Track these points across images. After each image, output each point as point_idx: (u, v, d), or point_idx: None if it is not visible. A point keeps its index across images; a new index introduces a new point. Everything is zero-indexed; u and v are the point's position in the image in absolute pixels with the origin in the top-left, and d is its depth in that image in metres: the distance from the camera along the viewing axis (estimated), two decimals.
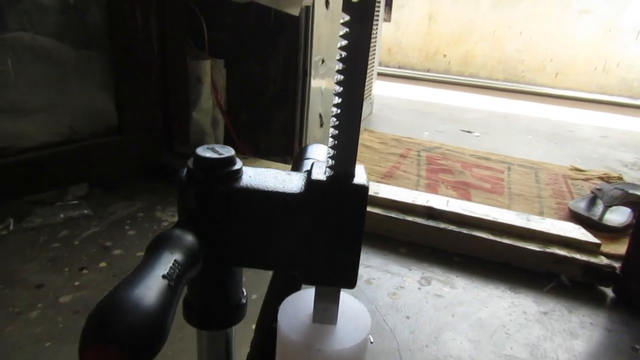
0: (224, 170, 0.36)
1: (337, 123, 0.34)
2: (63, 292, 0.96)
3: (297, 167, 0.44)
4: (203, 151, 0.36)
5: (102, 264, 1.06)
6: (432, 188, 1.58)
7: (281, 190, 0.36)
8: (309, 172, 0.36)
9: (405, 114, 2.63)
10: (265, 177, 0.37)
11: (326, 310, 0.41)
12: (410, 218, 1.22)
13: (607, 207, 1.40)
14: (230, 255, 0.37)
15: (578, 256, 1.10)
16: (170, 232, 0.32)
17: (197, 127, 1.55)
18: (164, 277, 0.27)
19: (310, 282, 0.38)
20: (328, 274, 0.38)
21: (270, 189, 0.36)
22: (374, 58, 2.36)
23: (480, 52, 4.31)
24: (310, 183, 0.35)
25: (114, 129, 1.32)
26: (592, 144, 2.33)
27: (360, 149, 1.88)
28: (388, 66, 4.55)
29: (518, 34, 4.17)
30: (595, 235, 1.20)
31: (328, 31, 1.61)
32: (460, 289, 1.07)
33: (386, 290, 1.04)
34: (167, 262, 0.28)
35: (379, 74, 3.91)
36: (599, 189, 1.48)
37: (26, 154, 1.16)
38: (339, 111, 0.34)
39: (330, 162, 0.35)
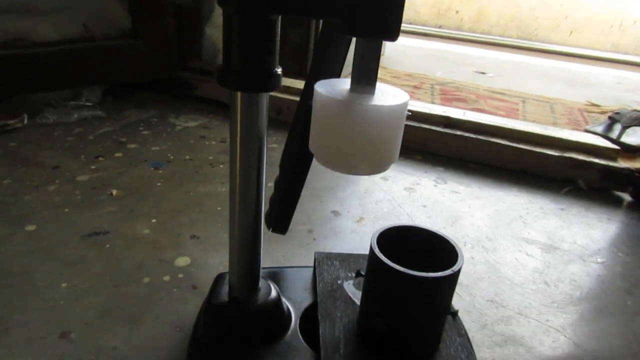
0: None
1: None
2: (80, 172, 0.96)
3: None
4: None
5: (118, 154, 1.05)
6: None
7: None
8: None
9: (417, 57, 2.59)
10: None
11: (366, 73, 0.40)
12: (427, 126, 1.21)
13: (625, 127, 1.37)
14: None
15: (596, 160, 1.09)
16: None
17: (210, 44, 1.53)
18: None
19: (352, 33, 0.37)
20: (370, 22, 0.36)
21: None
22: None
23: (493, 8, 4.22)
24: None
25: (128, 32, 1.30)
26: (607, 88, 2.29)
27: None
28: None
29: None
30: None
31: None
32: (476, 188, 1.06)
33: (402, 185, 1.04)
34: None
35: None
36: (617, 113, 1.46)
37: (40, 48, 1.15)
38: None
39: None
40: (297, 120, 0.49)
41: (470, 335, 0.62)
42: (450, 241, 0.48)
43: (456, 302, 0.67)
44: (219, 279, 0.55)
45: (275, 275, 0.62)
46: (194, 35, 1.46)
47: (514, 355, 0.60)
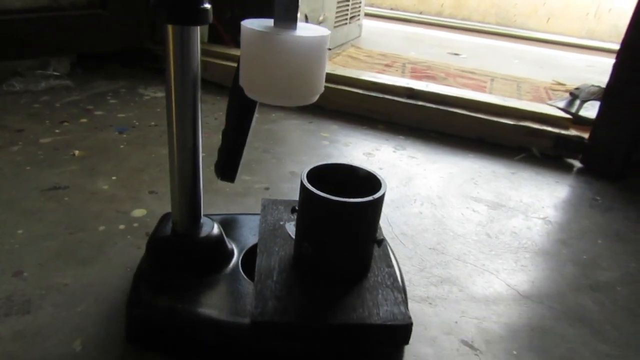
0: None
1: None
2: (44, 135, 0.97)
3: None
4: None
5: (83, 120, 1.07)
6: None
7: None
8: None
9: (394, 39, 2.62)
10: None
11: (287, 10, 0.43)
12: (390, 97, 1.24)
13: (583, 102, 1.43)
14: None
15: (550, 129, 1.13)
16: None
17: None
18: None
19: None
20: None
21: None
22: None
23: None
24: None
25: (96, 2, 1.30)
26: (577, 70, 2.35)
27: (345, 59, 1.89)
28: (380, 7, 4.48)
29: None
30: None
31: None
32: (434, 154, 1.10)
33: (362, 151, 1.07)
34: None
35: (371, 15, 3.86)
36: (577, 89, 1.51)
37: (7, 16, 1.15)
38: None
39: None
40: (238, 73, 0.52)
41: (408, 277, 0.66)
42: (377, 175, 0.51)
43: (399, 250, 0.71)
44: (164, 217, 0.58)
45: (225, 221, 0.65)
46: None
47: (447, 293, 0.64)
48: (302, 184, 0.49)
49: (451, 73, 1.87)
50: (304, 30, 0.44)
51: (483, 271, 0.70)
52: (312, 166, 0.52)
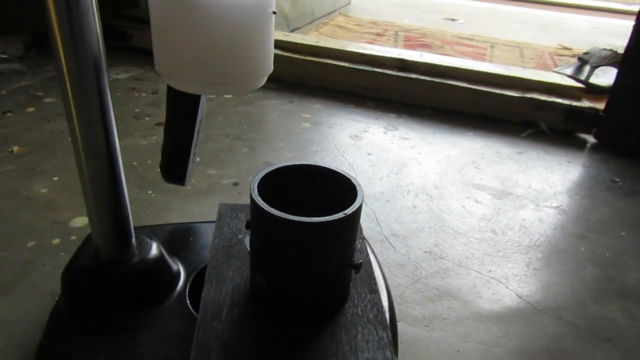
0: None
1: None
2: None
3: None
4: None
5: (30, 109, 0.94)
6: None
7: None
8: None
9: (386, 5, 2.45)
10: None
11: None
12: (379, 70, 1.11)
13: (594, 67, 1.29)
14: None
15: (560, 100, 1.01)
16: None
17: None
18: None
19: None
20: None
21: None
22: None
23: None
24: None
25: None
26: (582, 33, 2.19)
27: (333, 29, 1.74)
28: None
29: None
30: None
31: None
32: (430, 134, 0.97)
33: (348, 133, 0.95)
34: None
35: None
36: (586, 53, 1.37)
37: None
38: None
39: None
40: None
41: (399, 291, 0.54)
42: (351, 180, 0.39)
43: (389, 255, 0.60)
44: (88, 238, 0.47)
45: (174, 233, 0.54)
46: None
47: (447, 311, 0.53)
48: (251, 198, 0.37)
49: (448, 40, 1.72)
50: None
51: (489, 279, 0.58)
52: (266, 170, 0.40)
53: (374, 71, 1.11)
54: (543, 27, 2.24)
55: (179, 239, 0.53)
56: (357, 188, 0.38)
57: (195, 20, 0.29)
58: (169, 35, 0.30)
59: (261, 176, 0.39)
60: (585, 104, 1.00)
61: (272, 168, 0.40)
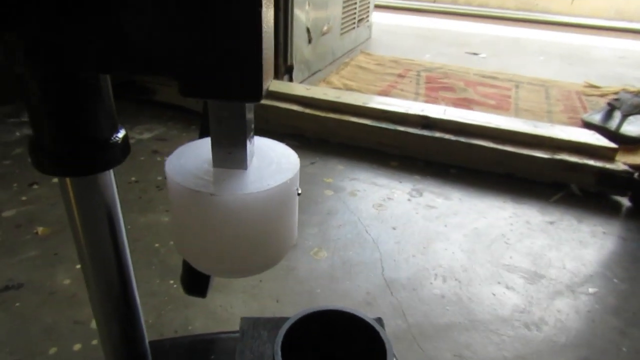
0: None
1: None
2: (8, 206, 0.86)
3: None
4: None
5: (56, 180, 0.95)
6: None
7: None
8: None
9: (406, 38, 2.44)
10: None
11: (229, 147, 0.29)
12: (402, 128, 1.09)
13: (625, 116, 1.25)
14: (58, 50, 0.25)
15: (591, 162, 0.97)
16: None
17: None
18: None
19: (190, 93, 0.26)
20: (215, 78, 0.25)
21: None
22: None
23: None
24: None
25: None
26: (609, 64, 2.14)
27: (354, 70, 1.73)
28: None
29: None
30: None
31: None
32: (456, 200, 0.95)
33: (371, 201, 0.93)
34: None
35: (382, 6, 3.66)
36: (616, 99, 1.33)
37: None
38: None
39: None
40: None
41: None
42: (380, 333, 0.37)
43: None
44: None
45: (193, 347, 0.52)
46: None
47: None
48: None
49: (471, 81, 1.69)
50: (259, 169, 0.30)
51: None
52: (286, 326, 0.38)
53: (396, 130, 1.09)
54: (567, 59, 2.20)
55: (199, 356, 0.51)
56: (386, 343, 0.36)
57: (213, 218, 0.27)
58: (189, 225, 0.29)
59: (282, 335, 0.38)
60: (619, 166, 0.96)
61: (293, 321, 0.39)
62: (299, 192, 0.30)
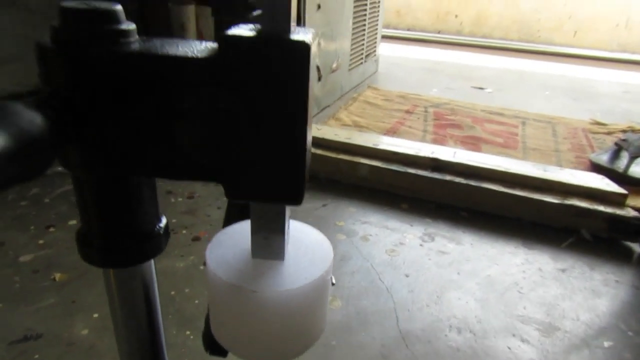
0: (104, 28, 0.24)
1: None
2: (25, 250, 0.87)
3: None
4: (73, 3, 0.25)
5: (72, 222, 0.96)
6: (439, 143, 1.45)
7: (184, 55, 0.24)
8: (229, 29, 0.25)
9: (413, 72, 2.48)
10: (167, 43, 0.26)
11: (268, 239, 0.30)
12: (413, 171, 1.10)
13: (633, 158, 1.26)
14: (117, 159, 0.26)
15: (602, 208, 0.98)
16: (3, 103, 0.21)
17: None
18: None
19: (236, 197, 0.27)
20: (260, 184, 0.26)
21: (169, 54, 0.24)
22: (378, 13, 2.20)
23: (493, 11, 4.09)
24: (226, 40, 0.23)
25: None
26: (614, 99, 2.16)
27: (362, 105, 1.76)
28: (397, 28, 4.35)
29: None
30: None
31: None
32: (468, 245, 0.95)
33: (384, 246, 0.93)
34: None
35: (388, 37, 3.73)
36: (624, 140, 1.34)
37: None
38: None
39: (256, 15, 0.24)
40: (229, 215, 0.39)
41: None
42: None
43: None
44: None
45: None
46: None
47: None
48: None
49: (478, 117, 1.72)
50: (296, 261, 0.31)
51: None
52: None
53: (407, 172, 1.10)
54: (572, 93, 2.23)
55: None
56: None
57: (252, 311, 0.28)
58: (223, 315, 0.30)
59: None
60: (629, 212, 0.97)
61: None
62: (333, 282, 0.31)
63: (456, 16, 4.23)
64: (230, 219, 0.38)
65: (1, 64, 1.15)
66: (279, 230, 0.30)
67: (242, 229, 0.33)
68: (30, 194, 1.06)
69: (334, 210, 1.06)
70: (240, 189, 0.27)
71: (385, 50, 2.60)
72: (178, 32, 1.36)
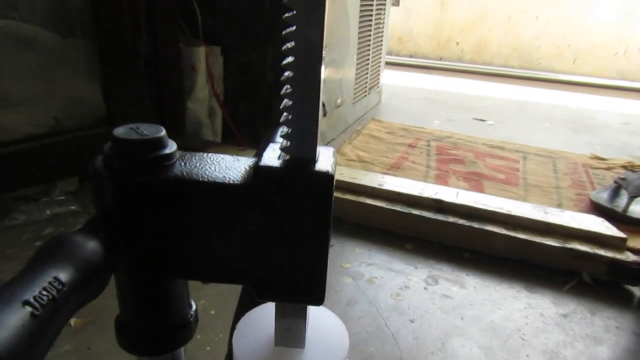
0: (149, 156, 0.28)
1: (290, 90, 0.26)
2: None
3: (260, 152, 0.35)
4: (122, 132, 0.28)
5: None
6: (442, 179, 1.48)
7: (221, 181, 0.27)
8: (260, 157, 0.28)
9: (415, 102, 2.52)
10: (204, 164, 0.29)
11: (290, 330, 0.33)
12: (417, 212, 1.13)
13: (632, 197, 1.29)
14: (160, 265, 0.29)
15: (602, 252, 1.00)
16: (65, 236, 0.24)
17: (193, 118, 1.48)
18: (26, 303, 0.19)
19: (265, 298, 0.30)
20: (287, 287, 0.29)
21: (207, 179, 0.28)
22: (382, 41, 2.26)
23: (494, 38, 4.17)
24: (258, 170, 0.26)
25: (103, 120, 1.25)
26: (614, 131, 2.20)
27: (366, 139, 1.80)
28: (399, 55, 4.43)
29: (534, 19, 4.01)
30: (620, 229, 1.11)
31: (329, 17, 1.52)
32: (471, 288, 0.98)
33: (389, 290, 0.96)
34: (40, 281, 0.21)
35: (390, 64, 3.81)
36: (622, 179, 1.37)
37: (8, 147, 1.10)
38: (292, 74, 0.26)
39: (285, 142, 0.27)
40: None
41: None
42: None
43: None
44: None
45: None
46: (174, 111, 1.41)
47: None
48: None
49: (479, 152, 1.75)
50: (314, 353, 0.33)
51: None
52: None
53: (411, 213, 1.13)
54: (572, 125, 2.27)
55: None
56: None
57: None
58: None
59: None
60: (629, 256, 0.99)
61: None
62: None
63: (457, 43, 4.30)
64: (244, 303, 0.41)
65: (18, 105, 1.19)
66: (301, 322, 0.32)
67: (264, 315, 0.36)
68: (45, 234, 1.09)
69: (341, 251, 1.08)
70: (269, 292, 0.30)
71: (388, 77, 2.65)
72: (189, 72, 1.41)
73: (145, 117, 1.33)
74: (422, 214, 1.12)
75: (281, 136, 0.27)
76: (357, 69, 1.93)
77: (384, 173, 1.48)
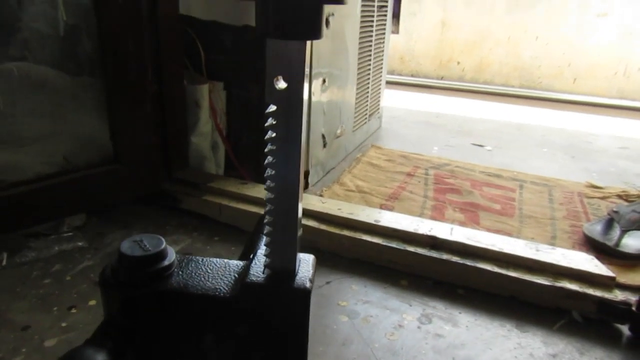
0: (150, 270, 0.32)
1: (272, 208, 0.30)
2: (49, 334, 0.94)
3: (247, 253, 0.40)
4: (127, 247, 0.32)
5: (92, 302, 1.03)
6: (438, 210, 1.52)
7: (213, 293, 0.32)
8: (247, 270, 0.32)
9: (414, 127, 2.57)
10: (199, 272, 0.33)
11: None
12: (412, 249, 1.17)
13: (624, 231, 1.32)
14: None
15: (591, 291, 1.03)
16: (76, 352, 0.28)
17: (197, 152, 1.53)
18: None
19: None
20: None
21: (201, 291, 0.32)
22: (381, 69, 2.31)
23: (495, 58, 4.22)
24: (245, 286, 0.31)
25: (110, 157, 1.30)
26: (611, 157, 2.23)
27: (366, 167, 1.84)
28: (401, 74, 4.50)
29: (534, 39, 4.06)
30: (611, 263, 1.14)
31: (329, 49, 1.57)
32: (463, 327, 1.01)
33: (384, 330, 0.99)
34: None
35: (392, 83, 3.86)
36: (615, 212, 1.41)
37: (19, 187, 1.15)
38: (272, 196, 0.30)
39: (267, 259, 0.31)
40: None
41: None
42: None
43: None
44: None
45: None
46: (179, 146, 1.46)
47: None
48: None
49: (476, 180, 1.79)
50: None
51: None
52: None
53: (406, 250, 1.17)
54: (570, 150, 2.30)
55: None
56: None
57: None
58: None
59: None
60: (617, 296, 1.02)
61: None
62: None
63: (458, 63, 4.36)
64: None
65: (30, 144, 1.24)
66: None
67: None
68: (53, 270, 1.13)
69: (337, 288, 1.12)
70: None
71: (389, 98, 2.70)
72: (193, 108, 1.46)
73: (150, 154, 1.38)
74: (417, 251, 1.16)
75: (265, 246, 0.31)
76: (356, 98, 1.98)
77: (382, 205, 1.52)
